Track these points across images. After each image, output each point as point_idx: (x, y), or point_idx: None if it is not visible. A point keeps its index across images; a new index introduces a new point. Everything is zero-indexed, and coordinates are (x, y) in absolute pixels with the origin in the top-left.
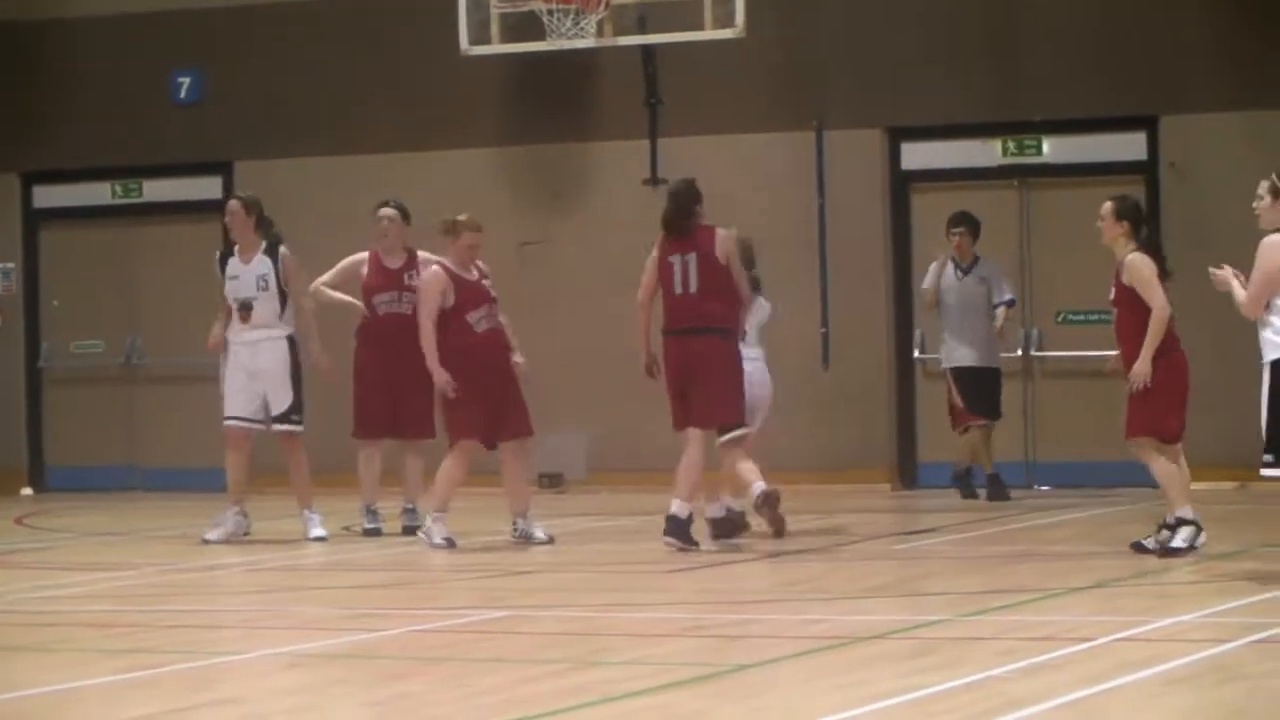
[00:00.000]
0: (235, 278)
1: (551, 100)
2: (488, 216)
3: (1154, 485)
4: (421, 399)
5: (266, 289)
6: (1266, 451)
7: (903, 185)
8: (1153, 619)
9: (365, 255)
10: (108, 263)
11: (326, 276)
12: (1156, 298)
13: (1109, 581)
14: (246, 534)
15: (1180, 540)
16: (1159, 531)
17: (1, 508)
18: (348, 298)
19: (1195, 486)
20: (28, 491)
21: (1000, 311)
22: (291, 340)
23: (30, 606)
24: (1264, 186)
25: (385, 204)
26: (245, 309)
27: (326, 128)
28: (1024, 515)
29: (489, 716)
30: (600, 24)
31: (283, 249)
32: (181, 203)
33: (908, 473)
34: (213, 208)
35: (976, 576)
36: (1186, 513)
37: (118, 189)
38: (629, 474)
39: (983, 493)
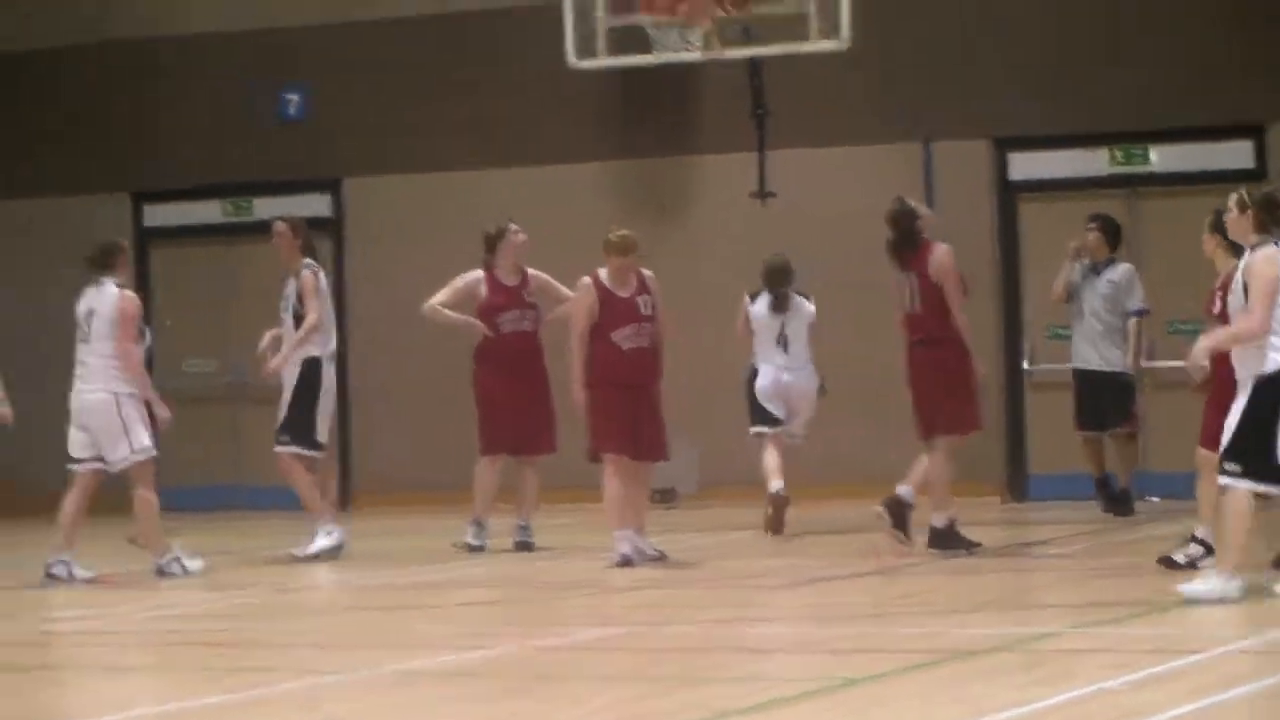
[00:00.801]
0: (284, 297)
1: (657, 113)
2: (593, 230)
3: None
4: (543, 414)
5: (287, 310)
6: (1234, 461)
7: (1010, 195)
8: (1262, 631)
9: (480, 274)
10: (218, 281)
11: (441, 296)
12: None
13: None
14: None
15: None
16: (1188, 545)
17: (114, 527)
18: (468, 319)
19: None
20: None
21: (1132, 322)
22: (308, 362)
23: (143, 626)
24: (1233, 199)
25: (514, 222)
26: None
27: (435, 143)
28: (1133, 526)
29: None
30: (706, 37)
31: (305, 270)
32: None
33: (1017, 485)
34: (323, 225)
35: (1086, 589)
36: None
37: (228, 207)
38: (740, 488)
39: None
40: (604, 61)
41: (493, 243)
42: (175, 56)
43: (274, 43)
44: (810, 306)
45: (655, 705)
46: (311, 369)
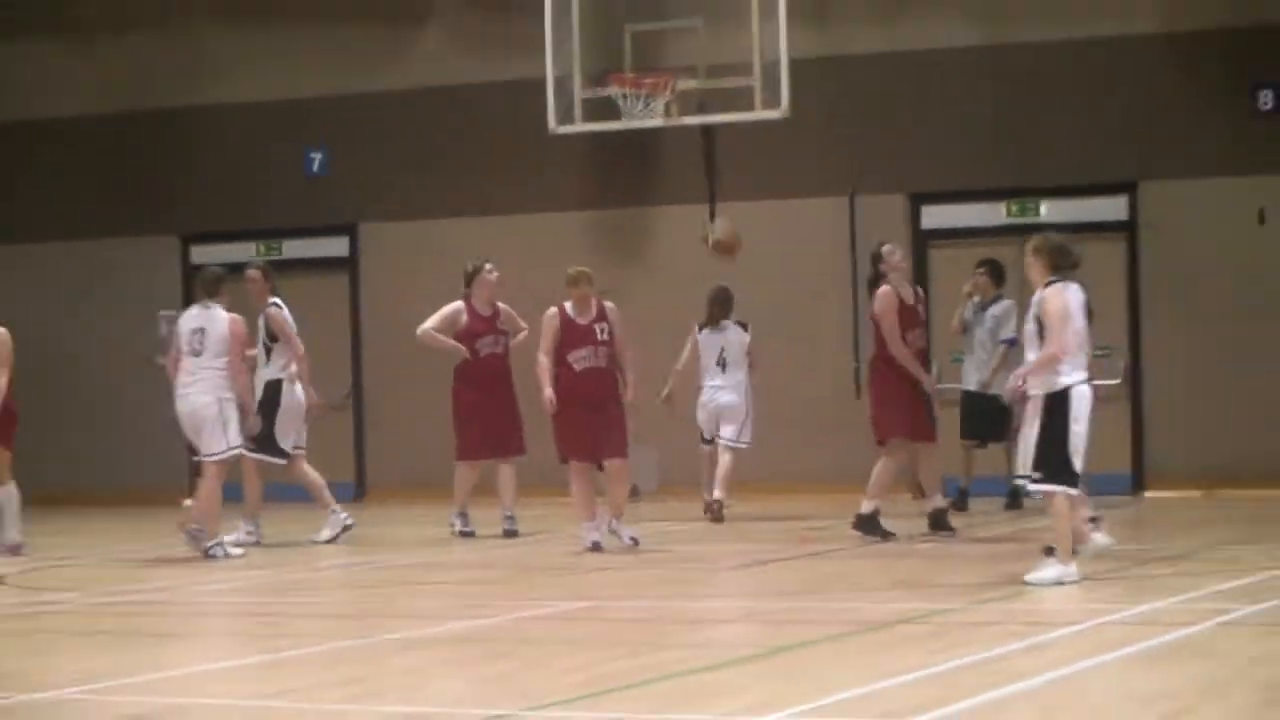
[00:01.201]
0: (259, 330)
1: (625, 171)
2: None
3: (1125, 491)
4: (512, 422)
5: (258, 341)
6: (1038, 469)
7: (923, 242)
8: (1131, 605)
9: (461, 305)
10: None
11: (431, 323)
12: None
13: (1094, 574)
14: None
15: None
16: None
17: (166, 516)
18: (454, 343)
19: (1167, 495)
20: (187, 503)
21: (999, 349)
22: (269, 384)
23: (191, 598)
24: (1029, 246)
25: (488, 262)
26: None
27: (437, 194)
28: (1022, 519)
29: (572, 691)
30: (667, 106)
31: (272, 307)
32: (315, 259)
33: None
34: (341, 263)
35: (984, 570)
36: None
37: (262, 248)
38: (692, 486)
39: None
40: (580, 127)
41: (470, 279)
42: (220, 121)
43: (301, 110)
44: (745, 335)
45: (618, 667)
46: (272, 389)
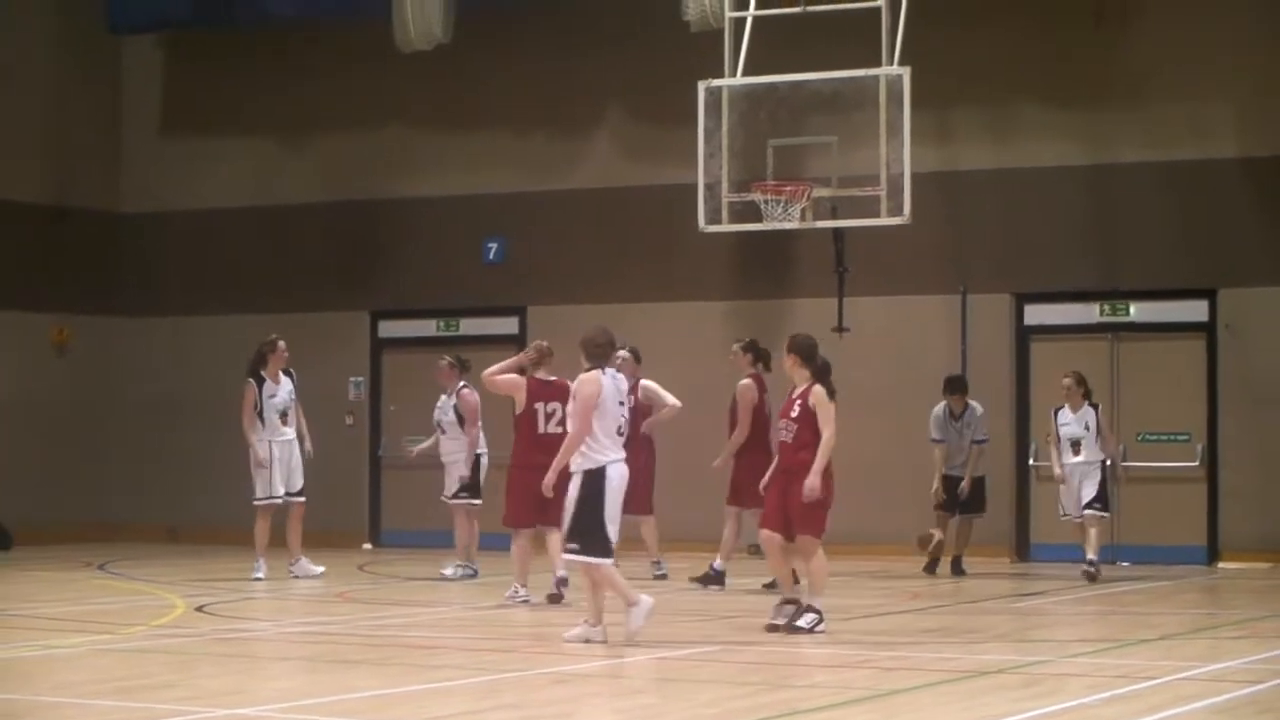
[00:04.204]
0: (273, 396)
1: (765, 266)
2: (715, 353)
3: (1201, 562)
4: (640, 485)
5: (292, 401)
6: (573, 540)
7: (1024, 337)
8: (1203, 664)
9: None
10: (430, 379)
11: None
12: (831, 426)
13: (1170, 635)
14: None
15: (805, 622)
16: (782, 605)
17: (348, 558)
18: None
19: (1238, 566)
20: (367, 546)
21: (973, 448)
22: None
23: (367, 631)
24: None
25: (623, 347)
26: (284, 415)
27: (598, 282)
28: (1108, 584)
29: None
30: (803, 211)
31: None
32: (488, 336)
33: (1023, 549)
34: (511, 340)
35: (1072, 628)
36: (817, 602)
37: (441, 324)
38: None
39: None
40: (726, 227)
41: None
42: (411, 212)
43: (482, 205)
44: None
45: (744, 704)
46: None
